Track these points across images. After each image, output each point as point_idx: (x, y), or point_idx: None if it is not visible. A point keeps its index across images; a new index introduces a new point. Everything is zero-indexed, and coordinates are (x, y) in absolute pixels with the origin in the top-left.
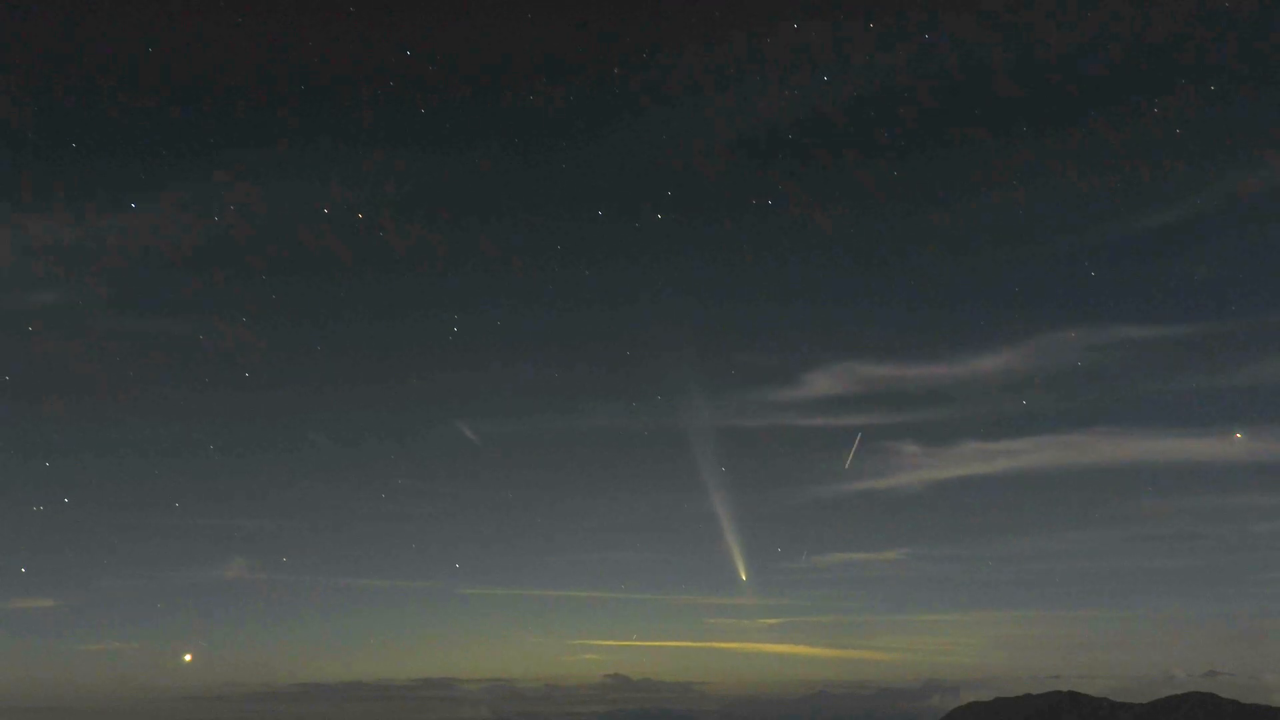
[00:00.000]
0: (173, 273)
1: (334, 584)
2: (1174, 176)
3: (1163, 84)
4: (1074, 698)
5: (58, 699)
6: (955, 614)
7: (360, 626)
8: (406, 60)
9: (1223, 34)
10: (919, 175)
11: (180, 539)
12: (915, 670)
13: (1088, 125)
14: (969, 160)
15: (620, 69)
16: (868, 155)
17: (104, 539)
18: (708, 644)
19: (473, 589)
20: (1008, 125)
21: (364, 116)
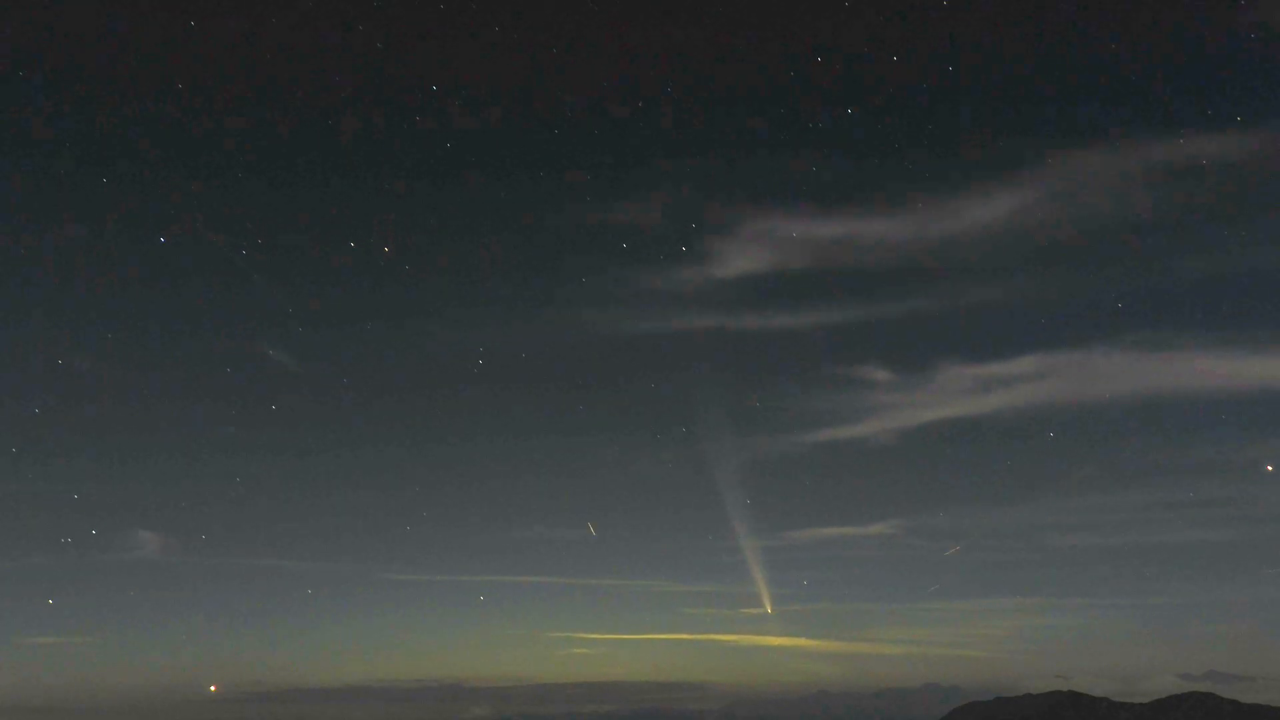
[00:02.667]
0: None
1: (263, 566)
2: None
3: None
4: (1074, 698)
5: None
6: (954, 603)
7: (312, 617)
8: (432, 94)
9: None
10: None
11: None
12: (915, 668)
13: None
14: None
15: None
16: None
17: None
18: (692, 636)
19: (414, 576)
20: None
21: (392, 145)
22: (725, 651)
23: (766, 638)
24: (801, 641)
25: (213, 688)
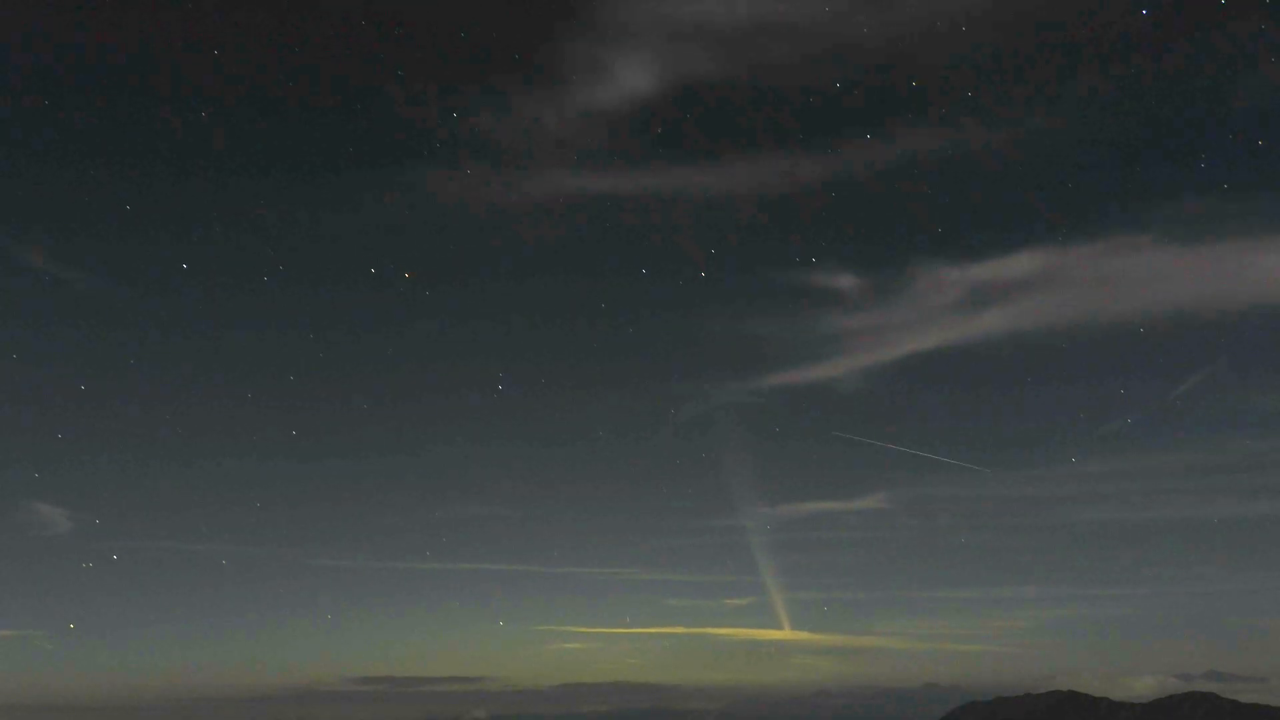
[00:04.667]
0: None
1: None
2: None
3: None
4: (1074, 698)
5: None
6: (956, 592)
7: (284, 612)
8: (454, 122)
9: None
10: None
11: None
12: (916, 665)
13: None
14: None
15: None
16: None
17: None
18: (686, 630)
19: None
20: None
21: (413, 177)
22: (720, 647)
23: (762, 631)
24: (798, 635)
25: None
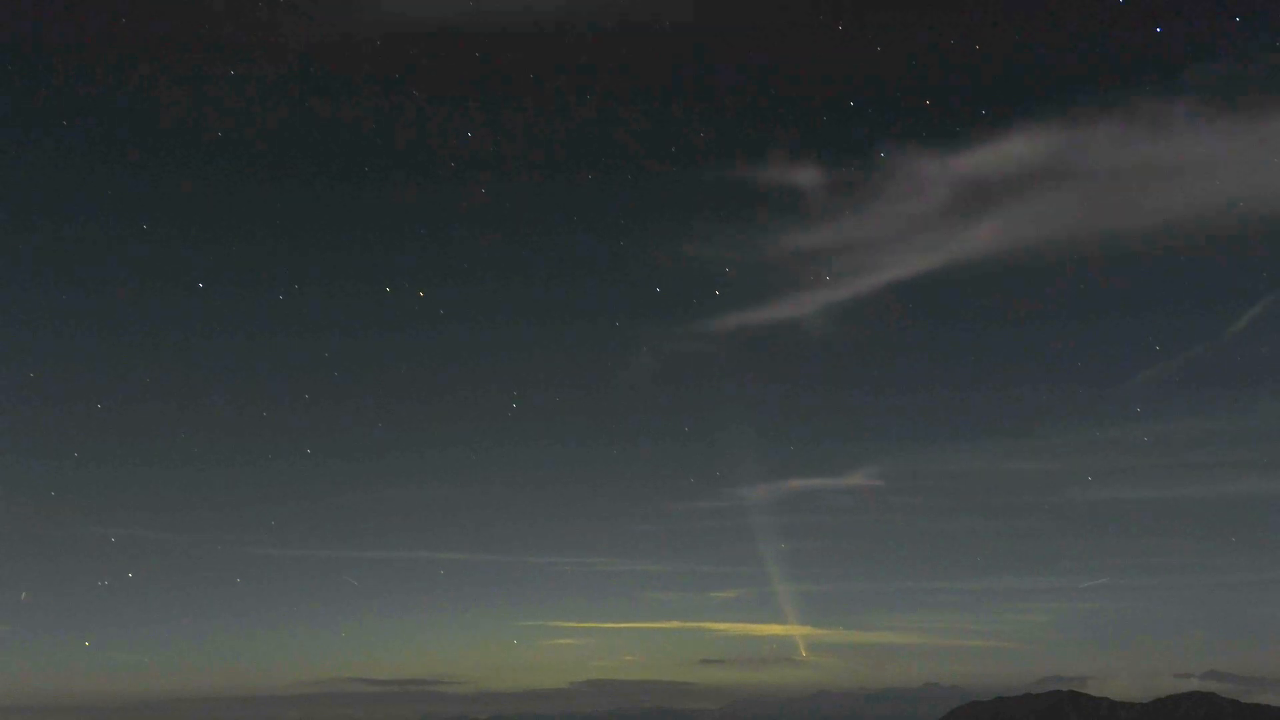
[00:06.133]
0: None
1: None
2: None
3: None
4: (1074, 698)
5: None
6: (956, 583)
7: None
8: (469, 141)
9: None
10: None
11: None
12: (916, 663)
13: None
14: None
15: None
16: None
17: None
18: (681, 625)
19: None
20: None
21: (430, 194)
22: (716, 643)
23: (757, 627)
24: (795, 629)
25: None
